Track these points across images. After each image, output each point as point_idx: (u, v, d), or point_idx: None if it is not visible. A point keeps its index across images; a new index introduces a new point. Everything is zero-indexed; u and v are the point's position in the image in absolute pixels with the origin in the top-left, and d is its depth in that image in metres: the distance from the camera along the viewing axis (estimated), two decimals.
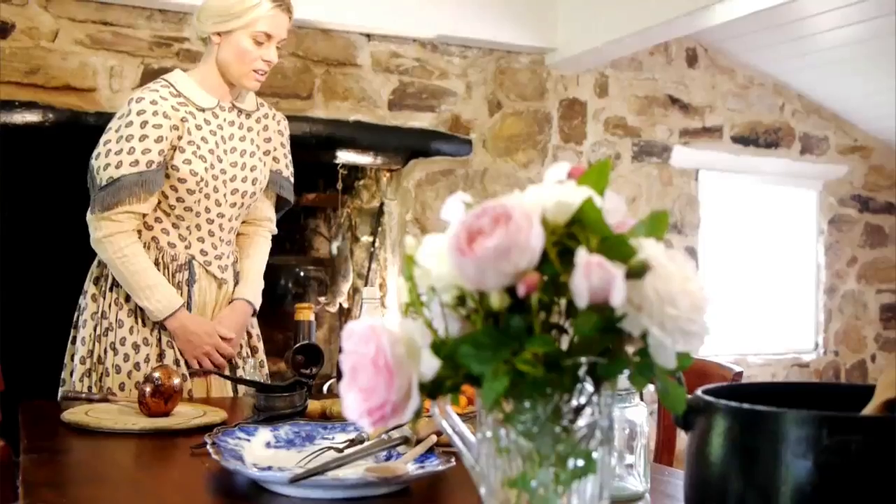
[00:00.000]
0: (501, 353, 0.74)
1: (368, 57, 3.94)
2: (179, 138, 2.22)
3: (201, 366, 2.24)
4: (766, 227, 4.96)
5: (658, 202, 4.54)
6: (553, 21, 4.14)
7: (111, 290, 2.29)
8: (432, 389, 0.77)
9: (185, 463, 1.55)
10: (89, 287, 2.36)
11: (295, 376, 2.13)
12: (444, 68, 4.09)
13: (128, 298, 2.26)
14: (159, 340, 2.26)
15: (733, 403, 0.91)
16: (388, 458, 1.49)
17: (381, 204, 4.31)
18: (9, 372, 4.01)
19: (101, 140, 2.24)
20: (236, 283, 2.43)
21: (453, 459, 1.41)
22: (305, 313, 2.38)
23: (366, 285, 4.34)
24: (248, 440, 1.57)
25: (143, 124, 2.16)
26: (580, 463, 0.80)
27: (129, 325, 2.26)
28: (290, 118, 3.53)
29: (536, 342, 0.74)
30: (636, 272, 0.72)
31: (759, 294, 4.87)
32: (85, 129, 3.50)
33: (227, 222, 2.37)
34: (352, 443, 1.53)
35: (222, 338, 2.27)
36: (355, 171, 4.29)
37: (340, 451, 1.49)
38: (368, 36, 3.94)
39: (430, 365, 0.76)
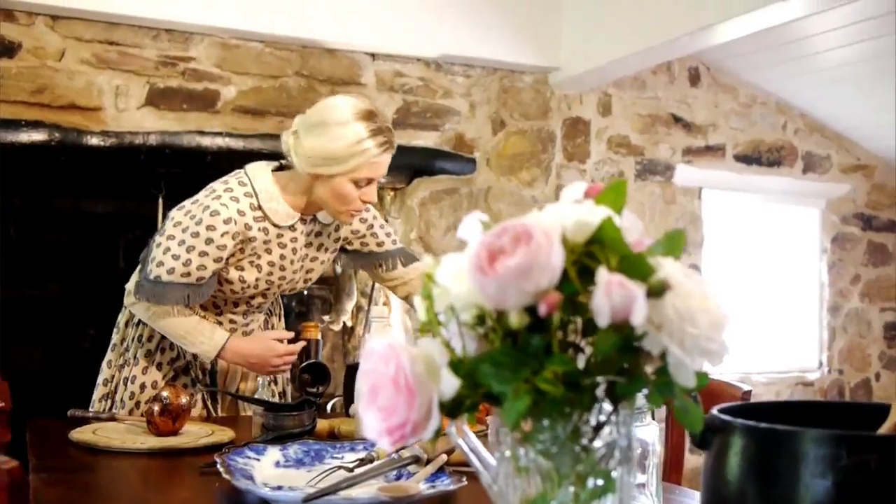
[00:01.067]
0: (522, 373, 0.74)
1: (373, 76, 3.96)
2: (241, 251, 2.11)
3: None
4: (769, 246, 4.97)
5: (661, 220, 4.54)
6: (556, 40, 4.16)
7: (138, 324, 2.26)
8: (451, 408, 0.77)
9: (195, 482, 1.54)
10: (124, 312, 2.33)
11: (302, 395, 2.14)
12: (447, 87, 4.10)
13: (150, 338, 2.24)
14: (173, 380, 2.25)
15: (751, 422, 0.91)
16: (398, 478, 1.49)
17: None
18: (13, 391, 4.01)
19: (168, 228, 2.07)
20: None
21: (465, 479, 1.41)
22: (312, 332, 2.38)
23: (370, 304, 4.33)
24: (258, 459, 1.57)
25: (209, 241, 2.01)
26: (600, 482, 0.80)
27: (144, 366, 2.24)
28: None
29: (556, 361, 0.74)
30: (656, 291, 0.73)
31: (762, 313, 4.86)
32: (90, 149, 3.53)
33: (267, 303, 2.32)
34: (362, 462, 1.52)
35: (280, 340, 2.20)
36: None
37: (351, 470, 1.49)
38: (373, 55, 3.95)
39: (451, 384, 0.76)
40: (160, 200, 3.90)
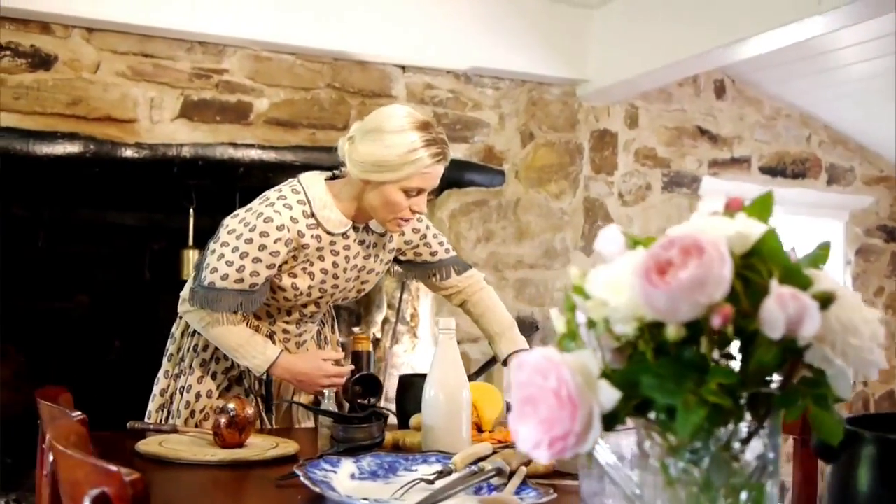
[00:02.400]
0: (685, 385, 0.74)
1: (403, 88, 3.97)
2: (295, 258, 2.11)
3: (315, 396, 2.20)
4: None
5: None
6: (584, 53, 4.18)
7: (193, 333, 2.27)
8: (608, 420, 0.77)
9: (273, 494, 1.54)
10: (179, 323, 2.34)
11: (353, 406, 2.13)
12: (477, 100, 4.11)
13: (205, 347, 2.25)
14: (227, 390, 2.24)
15: (885, 434, 0.91)
16: (477, 491, 1.48)
17: None
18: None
19: (222, 235, 2.09)
20: (319, 348, 2.39)
21: (553, 491, 1.40)
22: (364, 343, 2.38)
23: (397, 317, 4.33)
24: (335, 472, 1.56)
25: (262, 248, 2.03)
26: (752, 495, 0.79)
27: (199, 375, 2.24)
28: (325, 149, 3.58)
29: (719, 373, 0.74)
30: (824, 302, 0.73)
31: None
32: (124, 161, 3.53)
33: (320, 312, 2.31)
34: (440, 474, 1.52)
35: (331, 361, 2.19)
36: None
37: (431, 482, 1.49)
38: (403, 68, 3.96)
39: (610, 395, 0.76)
40: (191, 212, 3.91)
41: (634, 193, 4.45)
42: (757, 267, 0.75)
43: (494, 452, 1.64)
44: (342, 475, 1.56)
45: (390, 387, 4.32)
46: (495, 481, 1.47)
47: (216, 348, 2.22)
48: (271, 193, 2.13)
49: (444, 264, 2.40)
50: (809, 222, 4.99)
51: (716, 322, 0.71)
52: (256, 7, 3.60)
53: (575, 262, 4.31)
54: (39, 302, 4.31)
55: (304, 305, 2.23)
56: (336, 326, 2.49)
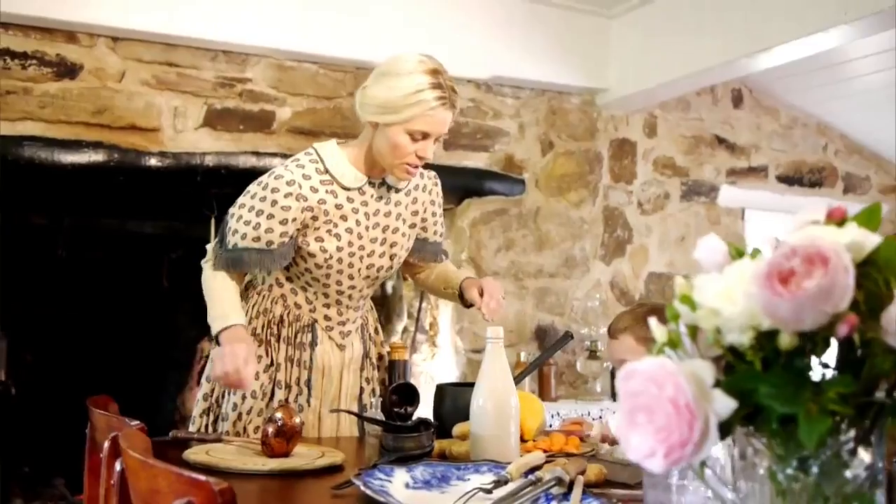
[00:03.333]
0: (804, 394, 0.74)
1: None
2: (315, 219, 2.12)
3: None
4: None
5: None
6: (604, 62, 4.19)
7: None
8: (722, 428, 0.77)
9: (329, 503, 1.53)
10: None
11: (391, 416, 2.13)
12: (497, 109, 4.12)
13: None
14: (270, 397, 2.23)
15: None
16: (536, 500, 1.48)
17: None
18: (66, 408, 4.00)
19: (240, 199, 2.14)
20: (364, 347, 2.37)
21: (616, 501, 1.40)
22: (400, 353, 2.38)
23: (416, 325, 4.33)
24: (390, 481, 1.56)
25: (273, 203, 2.05)
26: None
27: None
28: None
29: (838, 382, 0.74)
30: None
31: None
32: (147, 170, 3.53)
33: (358, 292, 2.29)
34: (496, 484, 1.51)
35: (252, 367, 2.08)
36: None
37: (489, 492, 1.48)
38: None
39: (726, 404, 0.76)
40: (212, 221, 3.91)
41: (653, 202, 4.46)
42: (873, 276, 0.75)
43: (547, 461, 1.63)
44: (397, 484, 1.56)
45: None
46: (555, 490, 1.47)
47: (257, 348, 2.22)
48: (288, 160, 2.19)
49: (439, 248, 2.46)
50: None
51: (842, 331, 0.71)
52: (279, 16, 3.61)
53: (594, 271, 4.31)
54: (57, 310, 4.31)
55: (339, 282, 2.21)
56: (380, 328, 2.47)
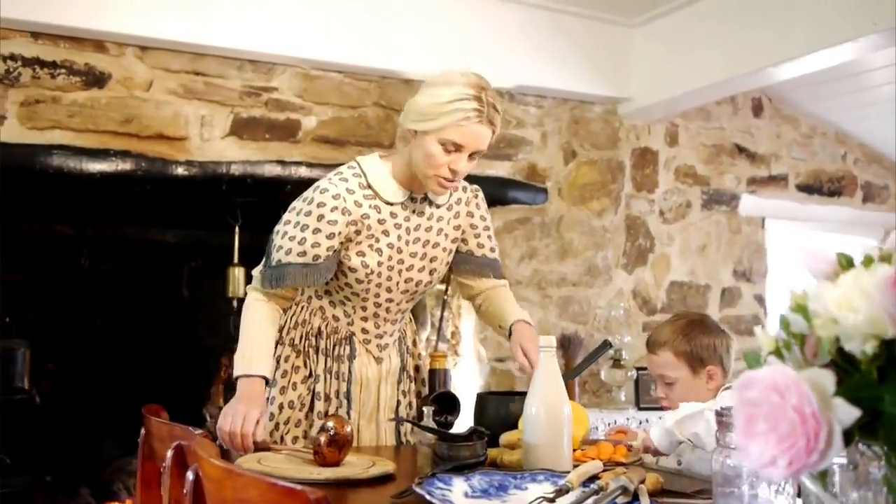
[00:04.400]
0: None
1: None
2: (358, 233, 2.12)
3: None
4: None
5: (728, 250, 4.55)
6: (626, 72, 4.20)
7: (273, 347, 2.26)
8: (845, 437, 0.77)
9: None
10: None
11: (433, 425, 2.12)
12: (520, 118, 4.13)
13: (286, 359, 2.24)
14: (310, 407, 2.22)
15: None
16: None
17: None
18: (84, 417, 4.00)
19: (284, 216, 2.14)
20: (401, 360, 2.36)
21: None
22: (441, 362, 2.38)
23: (438, 335, 4.32)
24: (450, 490, 1.56)
25: (320, 218, 2.05)
26: None
27: (281, 386, 2.22)
28: None
29: None
30: None
31: None
32: (174, 179, 3.54)
33: (396, 306, 2.28)
34: (558, 493, 1.51)
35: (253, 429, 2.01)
36: None
37: (552, 501, 1.48)
38: None
39: (849, 413, 0.76)
40: (237, 230, 3.91)
41: (675, 211, 4.46)
42: None
43: (604, 470, 1.63)
44: (457, 493, 1.56)
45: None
46: (620, 500, 1.46)
47: (296, 356, 2.22)
48: (330, 174, 2.18)
49: (488, 263, 2.38)
50: (846, 240, 4.99)
51: None
52: (305, 26, 3.62)
53: (616, 279, 4.31)
54: (79, 319, 4.31)
55: (378, 295, 2.21)
56: (418, 341, 2.47)
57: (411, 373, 2.40)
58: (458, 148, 2.02)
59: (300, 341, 2.24)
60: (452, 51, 3.88)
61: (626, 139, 4.35)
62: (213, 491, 1.16)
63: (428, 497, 1.43)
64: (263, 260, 2.17)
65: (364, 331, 2.26)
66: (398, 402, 2.34)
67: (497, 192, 4.08)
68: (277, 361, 2.23)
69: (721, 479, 1.34)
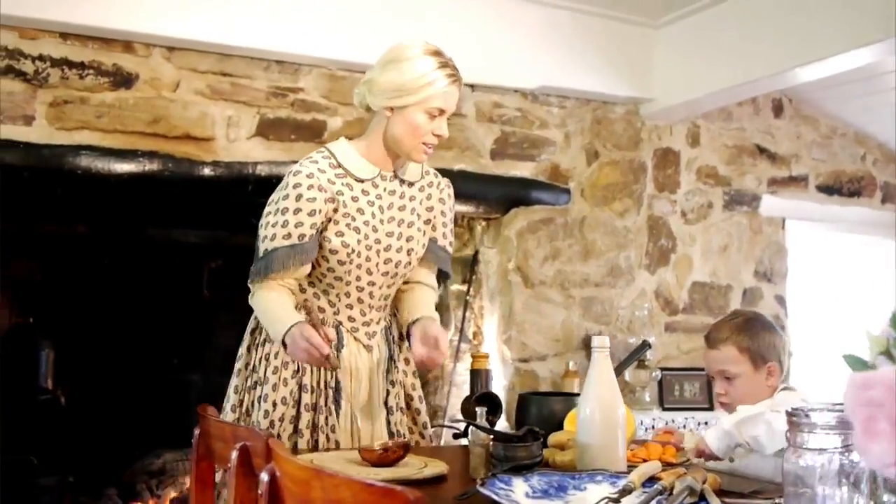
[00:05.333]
0: None
1: (472, 107, 3.99)
2: (335, 210, 2.18)
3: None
4: (851, 276, 4.96)
5: (749, 251, 4.55)
6: (648, 72, 4.20)
7: (262, 344, 2.29)
8: None
9: None
10: (246, 336, 2.37)
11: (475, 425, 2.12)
12: (543, 118, 4.13)
13: (276, 355, 2.25)
14: (297, 401, 2.23)
15: None
16: None
17: (476, 252, 4.32)
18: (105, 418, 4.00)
19: (264, 211, 2.24)
20: (389, 349, 2.37)
21: None
22: (482, 362, 2.38)
23: (460, 335, 4.32)
24: (512, 490, 1.56)
25: (298, 197, 2.13)
26: None
27: (273, 383, 2.23)
28: None
29: None
30: None
31: (847, 343, 4.84)
32: (201, 179, 3.54)
33: (378, 290, 2.30)
34: (622, 493, 1.51)
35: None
36: None
37: (617, 501, 1.48)
38: (472, 86, 3.98)
39: None
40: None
41: (696, 212, 4.46)
42: None
43: (663, 470, 1.63)
44: (518, 493, 1.56)
45: (452, 404, 4.31)
46: (687, 500, 1.46)
47: (284, 354, 2.22)
48: (298, 163, 2.25)
49: (443, 254, 2.43)
50: (866, 240, 4.99)
51: None
52: (331, 27, 3.62)
53: (638, 280, 4.31)
54: (101, 320, 4.30)
55: (359, 278, 2.24)
56: (404, 335, 2.40)
57: (402, 365, 2.41)
58: (440, 113, 2.19)
59: None
60: (476, 51, 3.88)
61: (649, 140, 4.35)
62: (297, 492, 1.16)
63: (497, 498, 1.43)
64: (254, 258, 2.22)
65: (351, 318, 2.29)
66: (387, 392, 2.35)
67: (520, 193, 4.08)
68: (267, 358, 2.26)
69: (793, 479, 1.34)
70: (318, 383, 2.25)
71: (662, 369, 4.12)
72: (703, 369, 4.19)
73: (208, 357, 4.36)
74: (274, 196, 2.22)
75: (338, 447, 2.19)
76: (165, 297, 4.45)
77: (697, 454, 1.93)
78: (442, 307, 4.19)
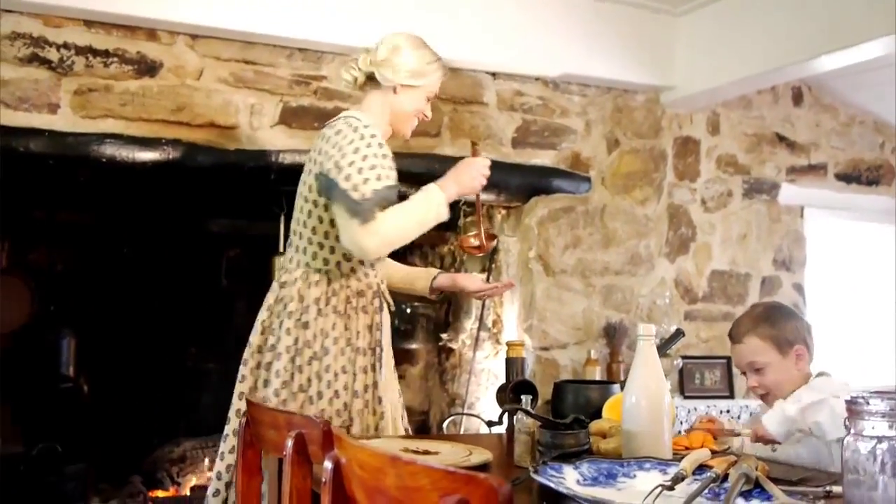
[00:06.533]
0: None
1: (494, 95, 3.98)
2: None
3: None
4: (869, 264, 4.96)
5: (768, 239, 4.55)
6: (670, 60, 4.18)
7: (313, 321, 2.31)
8: None
9: None
10: (288, 322, 2.35)
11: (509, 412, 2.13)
12: (564, 106, 4.12)
13: (333, 326, 2.30)
14: (353, 364, 2.31)
15: None
16: (716, 495, 1.48)
17: (496, 241, 4.31)
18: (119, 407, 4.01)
19: (343, 150, 2.21)
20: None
21: (813, 498, 1.40)
22: (517, 350, 2.38)
23: (480, 322, 4.33)
24: (563, 477, 1.56)
25: (381, 145, 2.25)
26: None
27: (333, 353, 2.29)
28: (418, 156, 3.58)
29: None
30: None
31: (866, 332, 4.85)
32: (224, 167, 3.53)
33: None
34: (675, 481, 1.51)
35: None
36: (454, 207, 4.29)
37: (671, 488, 1.48)
38: (494, 74, 3.97)
39: None
40: (282, 219, 3.91)
41: (716, 200, 4.45)
42: None
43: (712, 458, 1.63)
44: (570, 481, 1.56)
45: (471, 392, 4.32)
46: (742, 488, 1.46)
47: (339, 323, 2.30)
48: (343, 126, 2.29)
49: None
50: (884, 229, 4.98)
51: None
52: (354, 14, 3.61)
53: (658, 268, 4.31)
54: (121, 309, 4.31)
55: None
56: None
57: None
58: (429, 98, 2.45)
59: (342, 305, 2.32)
60: (497, 40, 3.88)
61: (669, 128, 4.34)
62: (367, 479, 1.16)
63: (553, 485, 1.44)
64: (343, 201, 2.17)
65: (381, 280, 2.43)
66: None
67: (541, 181, 4.08)
68: (324, 331, 2.30)
69: (852, 466, 1.34)
70: (367, 345, 2.33)
71: (683, 357, 4.12)
72: (723, 357, 4.23)
73: (227, 345, 4.37)
74: (354, 140, 2.22)
75: (380, 403, 2.31)
76: (185, 285, 4.46)
77: (755, 438, 1.93)
78: (462, 295, 4.20)
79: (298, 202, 2.39)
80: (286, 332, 2.33)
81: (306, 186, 2.35)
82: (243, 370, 2.37)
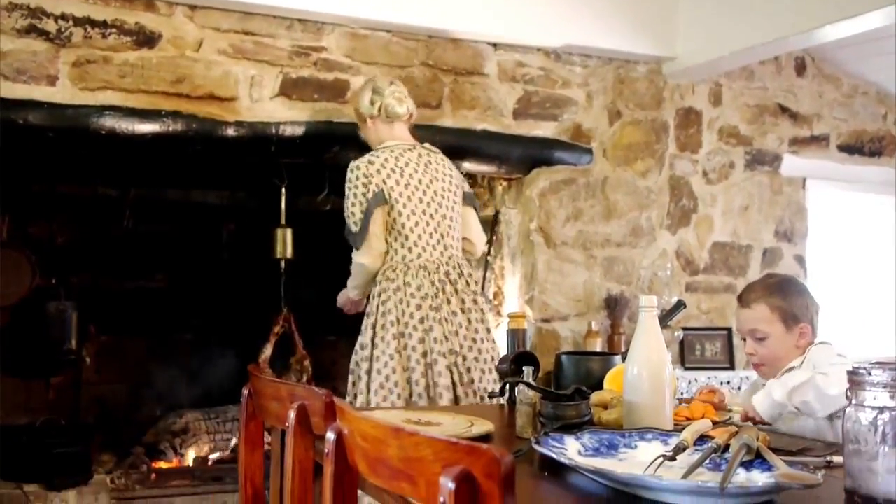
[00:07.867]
0: None
1: (495, 66, 3.95)
2: None
3: None
4: (871, 236, 4.95)
5: (769, 211, 4.54)
6: (672, 31, 4.15)
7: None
8: None
9: None
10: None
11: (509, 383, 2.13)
12: (566, 78, 4.09)
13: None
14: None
15: None
16: (718, 466, 1.48)
17: (497, 212, 4.31)
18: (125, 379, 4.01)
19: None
20: None
21: (813, 468, 1.40)
22: (519, 322, 2.38)
23: (482, 293, 4.32)
24: (565, 448, 1.56)
25: None
26: None
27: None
28: (420, 127, 3.57)
29: None
30: None
31: (866, 303, 4.85)
32: (224, 139, 3.52)
33: None
34: (676, 451, 1.52)
35: None
36: None
37: (673, 458, 1.49)
38: (495, 45, 3.95)
39: None
40: (283, 191, 3.90)
41: (718, 171, 4.44)
42: None
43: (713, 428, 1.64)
44: (572, 451, 1.57)
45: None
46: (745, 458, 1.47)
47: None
48: None
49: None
50: (886, 200, 4.97)
51: None
52: None
53: (660, 240, 4.31)
54: (122, 282, 4.31)
55: None
56: None
57: None
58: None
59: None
60: (499, 10, 3.85)
61: (671, 99, 4.32)
62: (369, 450, 1.17)
63: (554, 455, 1.44)
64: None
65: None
66: None
67: (542, 153, 4.07)
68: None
69: (853, 436, 1.34)
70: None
71: (684, 329, 4.13)
72: (724, 328, 4.24)
73: (228, 317, 4.37)
74: None
75: None
76: (185, 257, 4.45)
77: (744, 418, 1.93)
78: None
79: None
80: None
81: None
82: None
